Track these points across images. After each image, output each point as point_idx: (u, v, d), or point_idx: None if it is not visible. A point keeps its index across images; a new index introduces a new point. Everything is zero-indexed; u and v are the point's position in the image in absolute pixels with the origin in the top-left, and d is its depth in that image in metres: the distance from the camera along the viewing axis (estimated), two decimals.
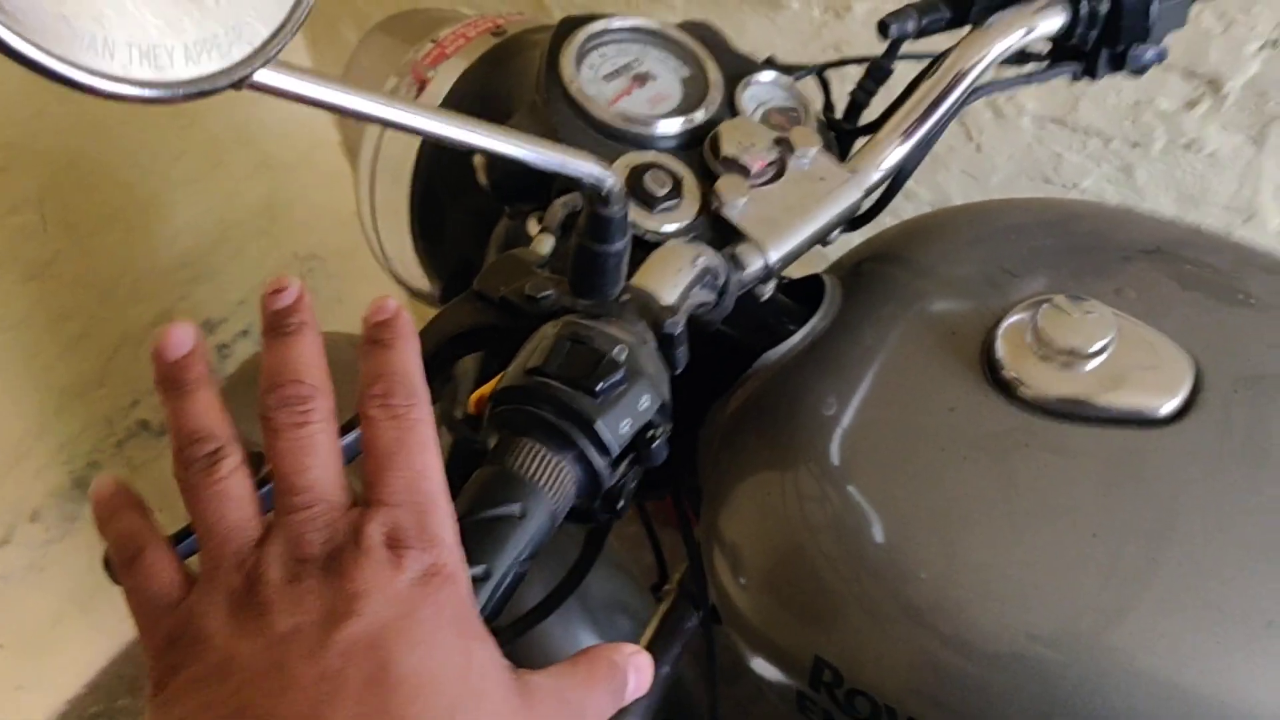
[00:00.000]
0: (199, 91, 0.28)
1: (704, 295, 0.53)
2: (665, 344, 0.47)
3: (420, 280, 0.75)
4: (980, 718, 0.54)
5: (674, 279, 0.50)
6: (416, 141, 0.68)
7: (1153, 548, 0.53)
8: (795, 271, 0.72)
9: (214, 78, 0.28)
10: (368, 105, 0.34)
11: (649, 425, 0.44)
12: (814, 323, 0.67)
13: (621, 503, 0.46)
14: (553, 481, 0.41)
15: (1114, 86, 1.10)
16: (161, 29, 0.26)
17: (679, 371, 0.49)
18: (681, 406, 0.71)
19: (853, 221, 0.72)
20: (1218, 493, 0.55)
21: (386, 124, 0.36)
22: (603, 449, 0.42)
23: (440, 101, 0.68)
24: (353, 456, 0.50)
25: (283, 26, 0.29)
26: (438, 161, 0.68)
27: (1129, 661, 0.51)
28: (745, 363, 0.68)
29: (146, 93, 0.27)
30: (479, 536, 0.39)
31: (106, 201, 1.44)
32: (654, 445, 0.44)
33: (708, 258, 0.53)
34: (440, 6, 0.79)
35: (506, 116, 0.61)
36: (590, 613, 1.01)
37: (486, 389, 0.44)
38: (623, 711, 0.78)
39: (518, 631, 0.89)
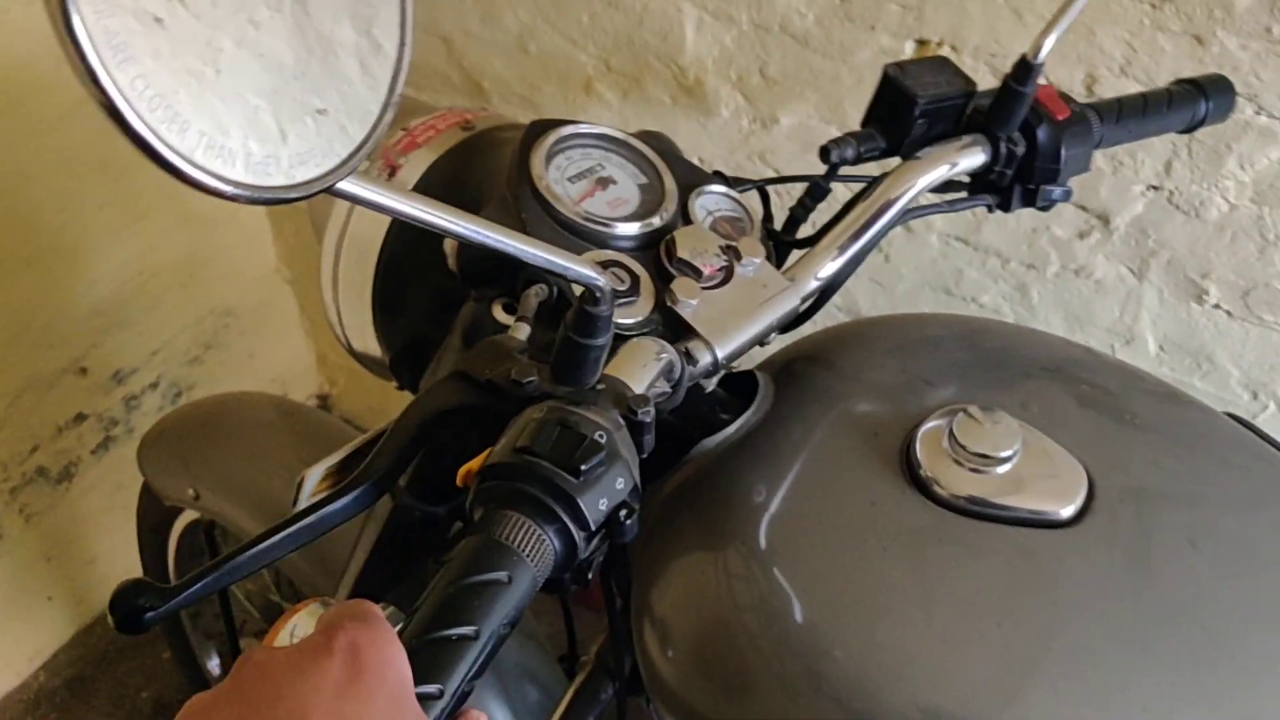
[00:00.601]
0: (299, 196, 0.31)
1: (663, 386, 0.58)
2: (635, 430, 0.51)
3: (372, 348, 0.78)
4: None
5: (643, 371, 0.55)
6: (386, 221, 0.72)
7: (1048, 637, 0.59)
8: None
9: (309, 184, 0.31)
10: (425, 214, 0.39)
11: (622, 504, 0.48)
12: (748, 416, 0.72)
13: (589, 575, 0.50)
14: (536, 552, 0.45)
15: (1015, 213, 1.19)
16: (272, 142, 0.30)
17: (644, 456, 0.53)
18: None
19: (789, 326, 0.78)
20: (1106, 592, 0.61)
21: (436, 228, 0.40)
22: (583, 524, 0.46)
23: (411, 188, 0.72)
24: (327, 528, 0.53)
25: (361, 146, 0.33)
26: (405, 241, 0.72)
27: None
28: (682, 449, 0.73)
29: (254, 194, 0.30)
30: (468, 600, 0.43)
31: (26, 245, 1.43)
32: (626, 523, 0.48)
33: (669, 353, 0.58)
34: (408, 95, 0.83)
35: (474, 208, 0.65)
36: (501, 681, 1.03)
37: (475, 464, 0.48)
38: None
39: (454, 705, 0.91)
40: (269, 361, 1.94)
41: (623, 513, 0.48)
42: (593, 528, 0.46)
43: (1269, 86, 1.00)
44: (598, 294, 0.48)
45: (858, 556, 0.63)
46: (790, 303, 0.68)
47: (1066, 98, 0.76)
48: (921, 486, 0.65)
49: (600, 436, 0.47)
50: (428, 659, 0.41)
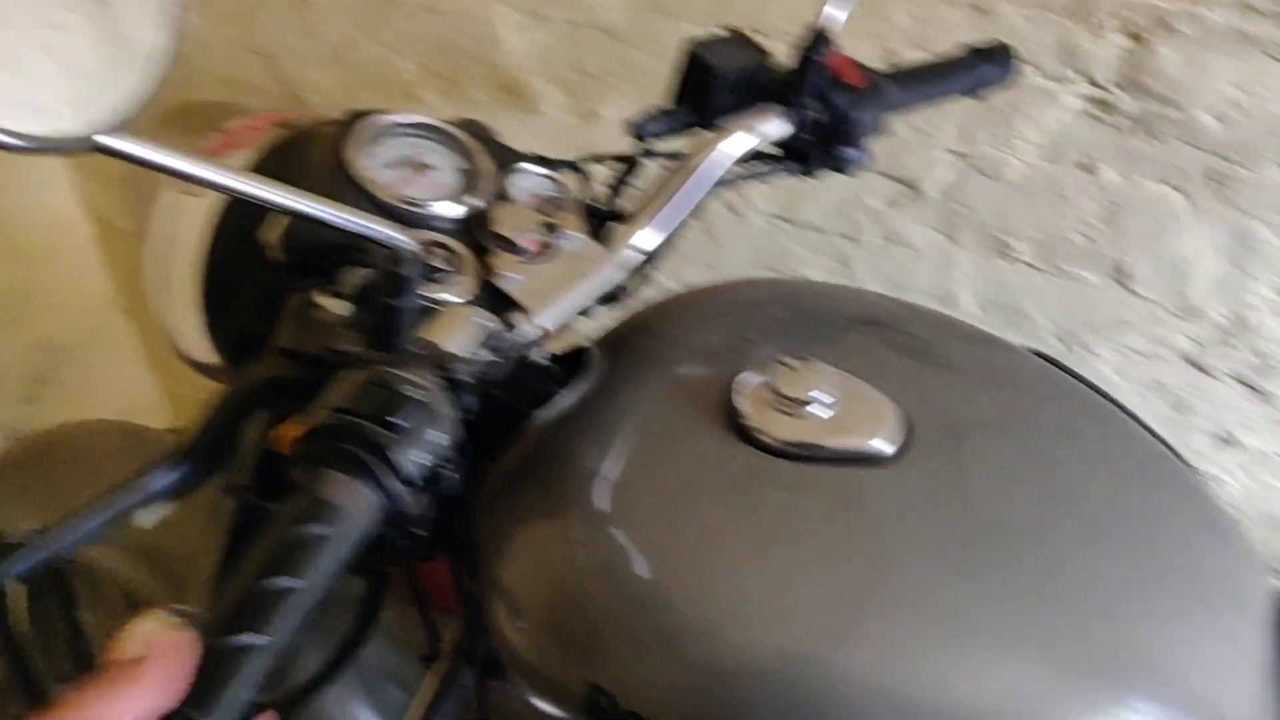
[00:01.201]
0: (56, 148, 0.31)
1: (486, 354, 0.58)
2: (454, 388, 0.52)
3: (207, 354, 0.77)
4: None
5: (459, 335, 0.56)
6: (206, 222, 0.71)
7: (877, 567, 0.61)
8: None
9: (72, 140, 0.32)
10: (201, 169, 0.39)
11: (444, 459, 0.49)
12: (579, 387, 0.74)
13: (421, 532, 0.51)
14: (357, 506, 0.45)
15: (828, 187, 1.24)
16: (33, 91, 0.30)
17: (472, 417, 0.54)
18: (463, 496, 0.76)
19: (612, 298, 0.80)
20: (928, 520, 0.64)
21: (216, 187, 0.40)
22: (403, 479, 0.47)
23: (222, 212, 0.71)
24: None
25: (130, 101, 0.33)
26: (227, 240, 0.71)
27: (861, 667, 0.59)
28: (515, 425, 0.74)
29: (22, 143, 0.30)
30: (291, 551, 0.43)
31: None
32: (448, 475, 0.49)
33: (490, 320, 0.59)
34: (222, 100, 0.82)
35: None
36: (366, 683, 1.03)
37: (296, 430, 0.48)
38: None
39: (296, 701, 0.90)
40: (111, 396, 1.87)
41: (444, 466, 0.49)
42: (413, 482, 0.47)
43: (1047, 50, 1.06)
44: (402, 254, 0.49)
45: (690, 509, 0.65)
46: (610, 272, 0.70)
47: (861, 66, 0.79)
48: (746, 436, 0.67)
49: (413, 392, 0.48)
50: (253, 609, 0.41)
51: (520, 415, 0.74)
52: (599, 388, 0.74)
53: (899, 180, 1.21)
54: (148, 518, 0.81)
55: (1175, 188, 1.09)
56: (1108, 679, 0.61)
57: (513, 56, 1.28)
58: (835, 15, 0.72)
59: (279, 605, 0.41)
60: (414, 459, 0.47)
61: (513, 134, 1.30)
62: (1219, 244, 1.11)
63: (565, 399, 0.73)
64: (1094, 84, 1.07)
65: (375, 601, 0.89)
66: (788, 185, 1.25)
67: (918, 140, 1.17)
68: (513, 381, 0.73)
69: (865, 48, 1.12)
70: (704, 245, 1.34)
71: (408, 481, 0.47)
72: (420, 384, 0.49)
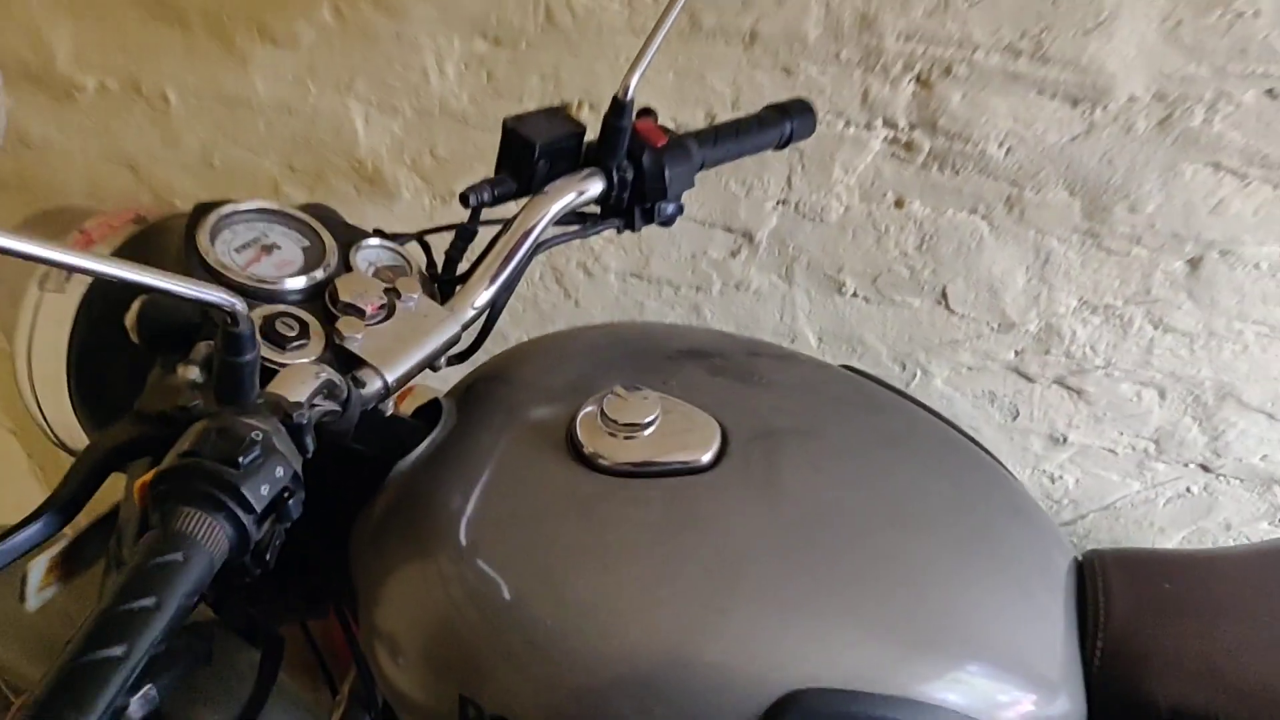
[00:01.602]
0: None
1: (330, 405, 0.64)
2: (294, 431, 0.58)
3: (81, 441, 0.81)
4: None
5: (300, 386, 0.61)
6: (71, 313, 0.76)
7: (708, 562, 0.68)
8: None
9: None
10: (57, 254, 0.44)
11: (285, 490, 0.54)
12: (435, 435, 0.80)
13: (268, 557, 0.56)
14: (209, 536, 0.50)
15: (674, 243, 1.32)
16: None
17: (309, 456, 0.59)
18: (330, 523, 0.81)
19: (461, 355, 0.86)
20: (747, 515, 0.71)
21: (69, 268, 0.46)
22: (248, 508, 0.52)
23: (90, 281, 0.76)
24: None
25: None
26: (91, 329, 0.76)
27: (702, 656, 0.66)
28: (381, 476, 0.80)
29: None
30: (149, 577, 0.48)
31: None
32: (290, 504, 0.54)
33: (327, 372, 0.65)
34: (83, 205, 0.87)
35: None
36: None
37: (148, 477, 0.53)
38: None
39: None
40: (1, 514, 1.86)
41: (286, 496, 0.54)
42: (257, 510, 0.53)
43: (849, 101, 1.17)
44: (235, 314, 0.55)
45: (542, 532, 0.71)
46: (451, 329, 0.76)
47: (664, 129, 0.88)
48: (586, 462, 0.74)
49: (256, 435, 0.54)
50: (114, 626, 0.46)
51: (385, 468, 0.80)
52: (453, 433, 0.80)
53: (737, 232, 1.30)
54: (32, 601, 0.85)
55: (979, 214, 1.20)
56: (932, 646, 0.68)
57: (369, 148, 1.36)
58: (630, 84, 0.81)
59: (135, 624, 0.46)
60: (257, 490, 0.53)
61: (377, 218, 1.38)
62: (1023, 261, 1.22)
63: (422, 448, 0.79)
64: (894, 127, 1.17)
65: (272, 667, 0.93)
66: (637, 245, 1.34)
67: (749, 194, 1.26)
68: (372, 436, 0.79)
69: (689, 112, 1.21)
70: (566, 307, 1.41)
71: (251, 510, 0.52)
72: (260, 427, 0.54)
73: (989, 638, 0.71)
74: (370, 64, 1.27)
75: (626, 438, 0.74)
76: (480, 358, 0.88)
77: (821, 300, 1.32)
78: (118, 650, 0.45)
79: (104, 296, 0.76)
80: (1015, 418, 1.35)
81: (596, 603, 0.68)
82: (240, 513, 0.52)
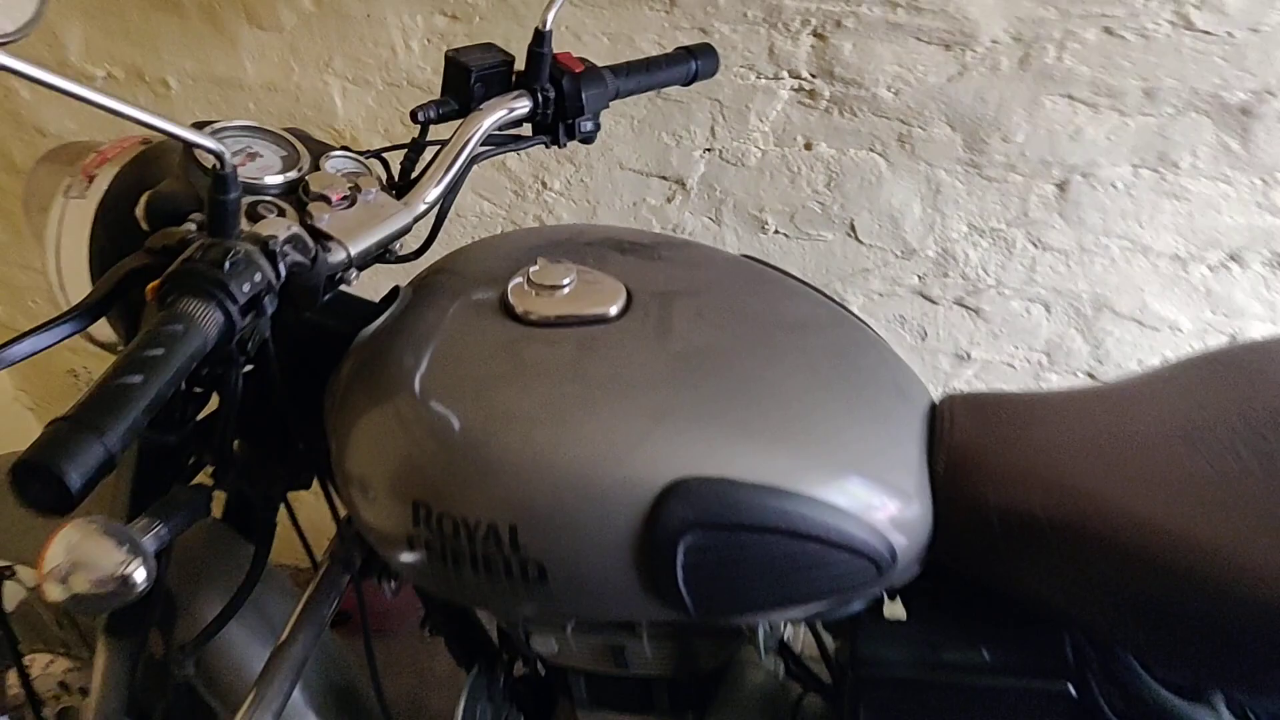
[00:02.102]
0: None
1: (299, 256, 0.79)
2: (269, 256, 0.73)
3: (106, 331, 0.96)
4: (510, 508, 0.81)
5: (273, 227, 0.77)
6: (91, 214, 0.91)
7: (608, 385, 0.84)
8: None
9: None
10: (73, 86, 0.60)
11: (261, 291, 0.70)
12: (393, 310, 0.96)
13: (250, 347, 0.72)
14: (204, 317, 0.66)
15: (617, 193, 1.48)
16: None
17: (282, 280, 0.74)
18: (309, 400, 0.95)
19: (416, 253, 1.02)
20: (646, 351, 0.86)
21: (82, 99, 0.61)
22: (233, 300, 0.67)
23: (105, 188, 0.91)
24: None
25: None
26: (108, 225, 0.91)
27: (604, 454, 0.80)
28: (346, 348, 0.95)
29: None
30: (159, 336, 0.63)
31: None
32: (265, 301, 0.70)
33: (298, 229, 0.80)
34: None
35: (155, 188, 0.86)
36: (268, 621, 1.20)
37: (157, 281, 0.68)
38: (275, 665, 0.96)
39: (208, 636, 1.07)
40: None
41: (262, 294, 0.70)
42: (239, 302, 0.68)
43: (759, 55, 1.33)
44: (221, 157, 0.70)
45: (480, 370, 0.86)
46: (405, 219, 0.92)
47: (582, 59, 1.04)
48: (515, 318, 0.89)
49: (239, 250, 0.69)
50: (133, 364, 0.61)
51: (350, 338, 0.95)
52: (408, 308, 0.95)
53: (671, 179, 1.46)
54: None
55: (876, 152, 1.36)
56: (797, 449, 0.83)
57: (346, 119, 1.52)
58: (549, 16, 0.97)
59: (148, 364, 0.61)
60: (240, 287, 0.68)
61: None
62: (918, 193, 1.38)
63: (381, 320, 0.95)
64: (798, 77, 1.34)
65: (261, 558, 1.07)
66: (585, 197, 1.50)
67: (679, 144, 1.42)
68: (340, 312, 0.94)
69: None
70: None
71: (235, 301, 0.68)
72: (243, 245, 0.70)
73: (850, 448, 0.86)
74: (345, 43, 1.44)
75: (547, 296, 0.90)
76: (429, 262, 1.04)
77: (748, 238, 1.48)
78: (136, 379, 0.61)
79: (117, 198, 0.91)
80: (924, 338, 1.50)
81: (520, 418, 0.83)
82: (227, 302, 0.67)
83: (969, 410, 0.95)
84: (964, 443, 0.91)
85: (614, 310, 0.90)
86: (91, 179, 0.93)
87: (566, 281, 0.90)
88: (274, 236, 0.75)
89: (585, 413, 0.82)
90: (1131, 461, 0.87)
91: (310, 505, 1.10)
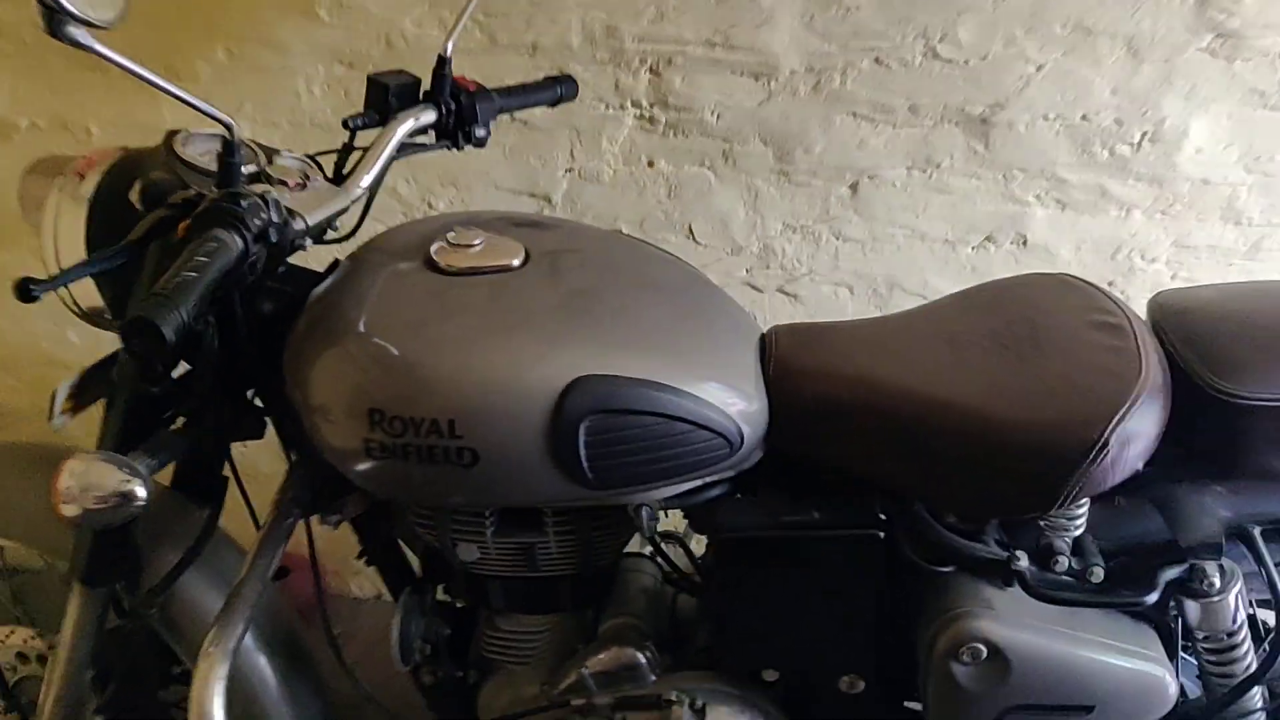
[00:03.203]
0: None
1: (275, 215, 0.99)
2: (266, 205, 0.93)
3: (97, 301, 1.13)
4: (448, 406, 1.02)
5: (262, 189, 0.97)
6: (86, 202, 1.09)
7: (513, 314, 1.06)
8: None
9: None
10: (138, 68, 0.81)
11: (265, 228, 0.91)
12: (337, 274, 1.16)
13: (258, 267, 0.92)
14: (229, 239, 0.86)
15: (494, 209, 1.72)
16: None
17: (275, 224, 0.95)
18: (272, 357, 1.14)
19: (350, 234, 1.23)
20: (543, 290, 1.10)
21: (142, 78, 0.82)
22: (249, 228, 0.88)
23: (97, 182, 1.09)
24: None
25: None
26: (103, 208, 1.09)
27: (516, 362, 1.03)
28: (300, 309, 1.15)
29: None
30: (200, 249, 0.83)
31: None
32: (269, 232, 0.91)
33: (275, 195, 1.01)
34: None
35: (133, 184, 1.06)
36: (221, 575, 1.34)
37: (188, 220, 0.89)
38: (233, 603, 1.12)
39: (171, 580, 1.22)
40: None
41: (268, 230, 0.91)
42: (253, 231, 0.89)
43: (606, 90, 1.60)
44: (229, 125, 0.92)
45: (411, 311, 1.08)
46: (344, 200, 1.12)
47: (475, 81, 1.28)
48: (438, 270, 1.11)
49: (248, 195, 0.90)
50: (188, 265, 0.81)
51: (303, 301, 1.16)
52: (348, 271, 1.16)
53: (539, 196, 1.71)
54: (56, 421, 1.16)
55: (706, 166, 1.64)
56: (670, 355, 1.07)
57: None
58: (448, 45, 1.21)
59: (199, 265, 0.81)
60: (251, 221, 0.89)
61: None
62: (741, 199, 1.66)
63: (328, 281, 1.16)
64: (639, 107, 1.61)
65: (214, 516, 1.24)
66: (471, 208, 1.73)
67: (544, 166, 1.67)
68: (296, 280, 1.15)
69: None
70: None
71: (250, 230, 0.88)
72: (251, 192, 0.91)
73: (705, 357, 1.11)
74: (255, 90, 1.64)
75: (463, 252, 1.12)
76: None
77: None
78: (192, 275, 0.81)
79: (108, 189, 1.10)
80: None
81: (451, 339, 1.04)
82: (244, 230, 0.88)
83: (789, 334, 1.21)
84: (786, 356, 1.17)
85: (516, 262, 1.13)
86: (83, 177, 1.12)
87: (478, 242, 1.13)
88: (268, 189, 0.96)
89: (502, 333, 1.05)
90: (909, 358, 1.15)
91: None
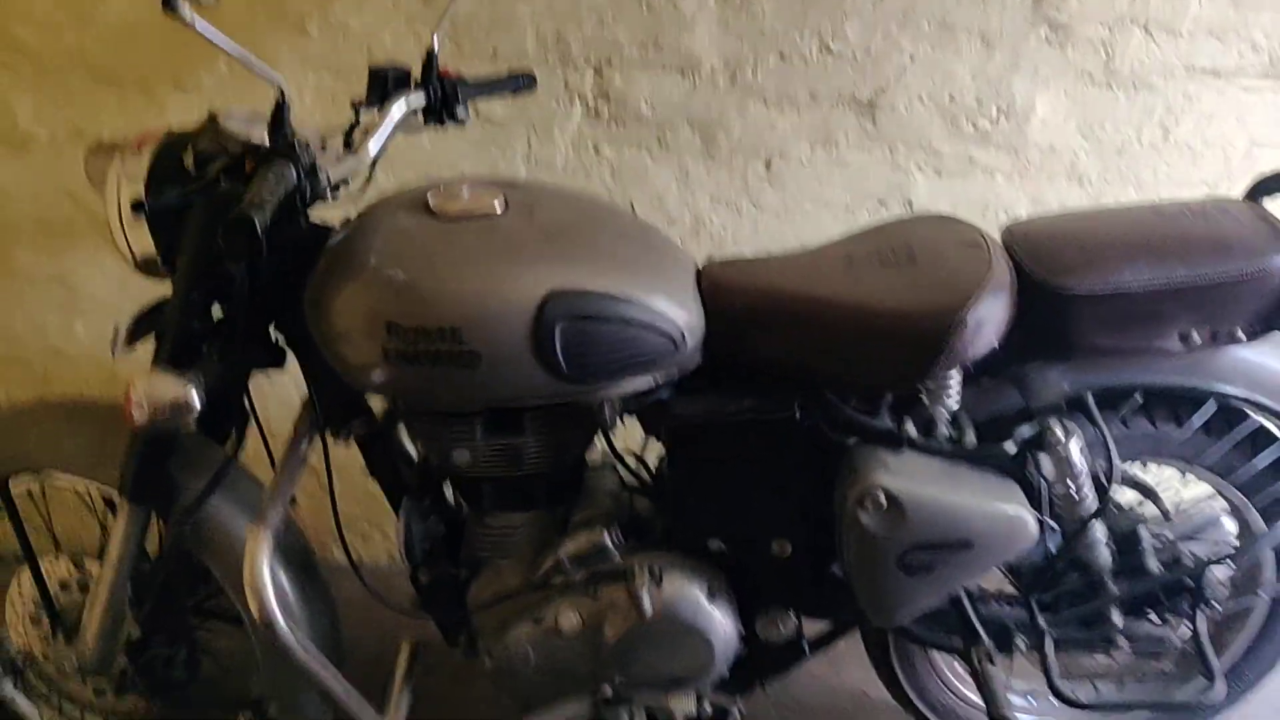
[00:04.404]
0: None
1: (311, 159, 1.23)
2: (309, 149, 1.18)
3: (150, 248, 1.35)
4: (453, 315, 1.26)
5: (311, 140, 1.22)
6: (145, 169, 1.31)
7: (498, 246, 1.31)
8: None
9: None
10: (224, 41, 1.05)
11: (311, 165, 1.15)
12: (350, 226, 1.40)
13: (309, 196, 1.16)
14: (287, 171, 1.10)
15: None
16: None
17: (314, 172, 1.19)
18: (293, 299, 1.37)
19: (360, 192, 1.47)
20: (523, 229, 1.34)
21: (222, 47, 1.06)
22: (301, 162, 1.12)
23: (153, 155, 1.32)
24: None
25: None
26: (160, 173, 1.31)
27: (501, 282, 1.27)
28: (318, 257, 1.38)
29: None
30: (267, 180, 1.07)
31: None
32: (315, 168, 1.15)
33: (309, 153, 1.24)
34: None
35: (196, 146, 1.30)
36: (243, 500, 1.55)
37: (252, 162, 1.12)
38: (272, 495, 1.35)
39: (204, 499, 1.44)
40: None
41: (314, 165, 1.15)
42: (306, 165, 1.13)
43: (557, 88, 1.86)
44: (280, 86, 1.16)
45: (419, 245, 1.31)
46: (359, 162, 1.35)
47: (458, 72, 1.53)
48: (435, 216, 1.35)
49: (301, 138, 1.14)
50: (265, 167, 1.05)
51: (320, 249, 1.39)
52: (360, 224, 1.40)
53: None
54: (116, 352, 1.37)
55: (643, 150, 1.91)
56: (629, 273, 1.32)
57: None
58: (434, 41, 1.47)
59: (273, 174, 1.06)
60: (303, 156, 1.13)
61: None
62: (674, 178, 1.93)
63: (341, 233, 1.39)
64: (586, 102, 1.87)
65: (238, 445, 1.46)
66: None
67: (505, 155, 1.93)
68: (316, 233, 1.38)
69: None
70: None
71: (302, 163, 1.12)
72: (300, 137, 1.15)
73: (655, 277, 1.34)
74: (253, 97, 1.87)
75: (454, 201, 1.36)
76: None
77: None
78: (267, 195, 1.05)
79: (163, 157, 1.32)
80: None
81: (448, 267, 1.28)
82: (298, 164, 1.12)
83: (719, 264, 1.47)
84: (718, 278, 1.42)
85: (498, 208, 1.37)
86: (140, 150, 1.35)
87: (466, 194, 1.38)
88: (309, 141, 1.20)
89: (493, 258, 1.29)
90: (814, 275, 1.42)
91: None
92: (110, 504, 1.61)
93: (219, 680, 1.74)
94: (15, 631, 1.66)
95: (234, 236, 1.01)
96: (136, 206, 1.32)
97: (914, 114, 1.85)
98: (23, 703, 1.79)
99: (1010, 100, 1.83)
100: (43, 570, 1.60)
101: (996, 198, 1.91)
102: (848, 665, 1.99)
